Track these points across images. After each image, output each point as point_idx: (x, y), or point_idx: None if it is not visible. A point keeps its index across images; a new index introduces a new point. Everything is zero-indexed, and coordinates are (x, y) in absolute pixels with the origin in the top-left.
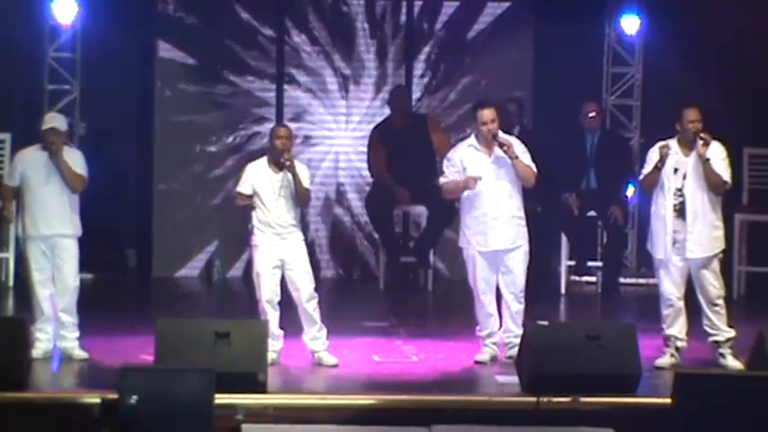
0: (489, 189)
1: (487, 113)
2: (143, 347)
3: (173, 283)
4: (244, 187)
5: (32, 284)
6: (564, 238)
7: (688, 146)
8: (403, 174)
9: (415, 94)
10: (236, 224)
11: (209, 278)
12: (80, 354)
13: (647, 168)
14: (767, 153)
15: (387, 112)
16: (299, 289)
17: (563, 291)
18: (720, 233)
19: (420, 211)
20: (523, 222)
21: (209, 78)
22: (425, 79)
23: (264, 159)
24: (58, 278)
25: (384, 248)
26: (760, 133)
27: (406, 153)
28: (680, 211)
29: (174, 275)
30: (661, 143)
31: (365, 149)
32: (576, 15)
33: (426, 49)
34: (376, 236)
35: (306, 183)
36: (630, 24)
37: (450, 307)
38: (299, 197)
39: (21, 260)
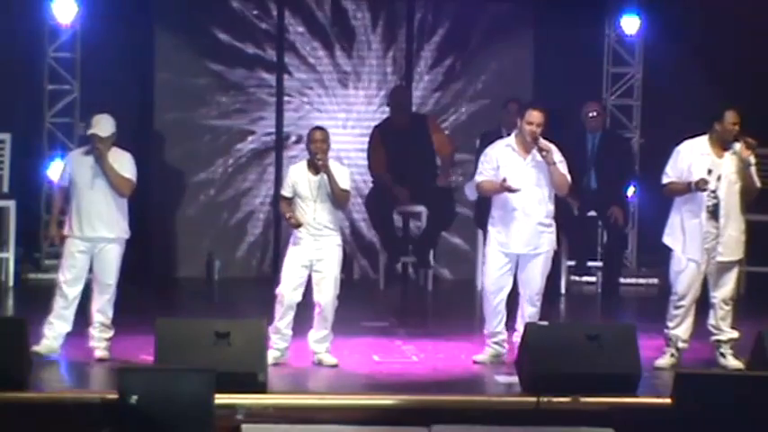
0: (520, 192)
1: (536, 115)
2: (143, 347)
3: (173, 283)
4: (286, 190)
5: (60, 281)
6: (564, 238)
7: (722, 146)
8: (403, 174)
9: (416, 94)
10: (235, 224)
11: (209, 278)
12: (103, 354)
13: (673, 171)
14: (767, 153)
15: (387, 111)
16: (323, 291)
17: (563, 291)
18: (745, 237)
19: (420, 211)
20: (551, 230)
21: (210, 79)
22: (426, 79)
23: (305, 162)
24: (97, 279)
25: (384, 248)
26: (760, 133)
27: (406, 153)
28: (713, 212)
29: (174, 275)
30: (686, 147)
31: (365, 149)
32: (576, 15)
33: (427, 49)
34: (376, 236)
35: (344, 184)
36: (630, 24)
37: (451, 307)
38: (337, 198)
39: (21, 260)
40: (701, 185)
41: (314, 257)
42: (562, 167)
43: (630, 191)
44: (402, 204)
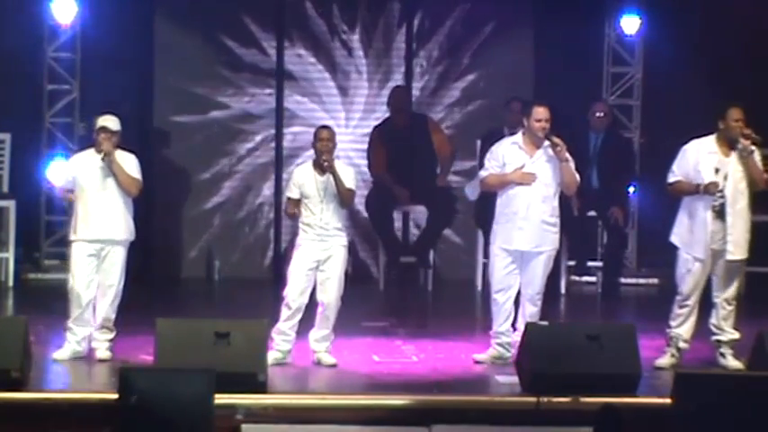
0: (523, 190)
1: (542, 111)
2: (143, 347)
3: (173, 283)
4: (292, 192)
5: (74, 285)
6: (564, 238)
7: (728, 145)
8: (403, 174)
9: (416, 94)
10: (236, 224)
11: (209, 278)
12: (104, 354)
13: (679, 170)
14: (767, 153)
15: (387, 111)
16: (327, 291)
17: (563, 291)
18: (749, 236)
19: (420, 211)
20: (555, 229)
21: (210, 79)
22: (426, 79)
23: (311, 162)
24: (101, 283)
25: (384, 248)
26: (760, 133)
27: (406, 153)
28: (719, 212)
29: (174, 275)
30: (695, 147)
31: (365, 149)
32: (576, 15)
33: (427, 49)
34: (376, 236)
35: (349, 183)
36: (630, 24)
37: (451, 307)
38: (342, 198)
39: (21, 260)
40: (711, 189)
41: (320, 258)
42: (572, 166)
43: (630, 191)
44: (402, 204)
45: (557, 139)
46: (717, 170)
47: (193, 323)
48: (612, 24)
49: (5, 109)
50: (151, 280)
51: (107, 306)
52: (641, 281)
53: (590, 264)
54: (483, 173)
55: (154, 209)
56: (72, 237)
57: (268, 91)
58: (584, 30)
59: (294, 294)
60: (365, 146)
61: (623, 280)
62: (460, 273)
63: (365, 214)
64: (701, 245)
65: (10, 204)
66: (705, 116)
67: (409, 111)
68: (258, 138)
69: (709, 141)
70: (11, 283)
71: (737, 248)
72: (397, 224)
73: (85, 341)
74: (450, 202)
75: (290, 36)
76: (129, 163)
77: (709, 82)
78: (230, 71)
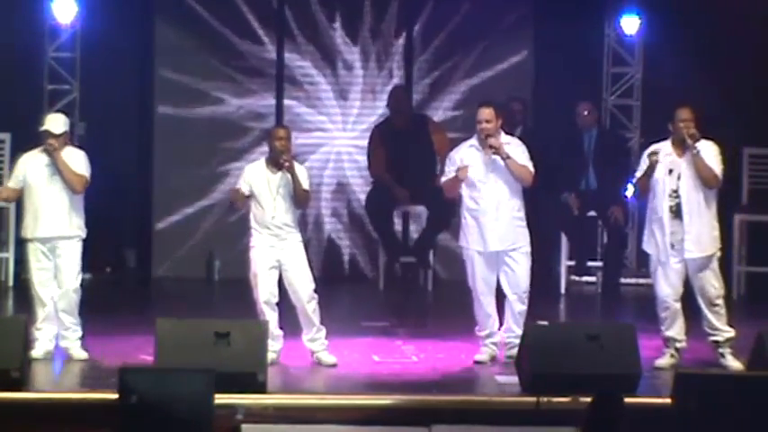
0: (488, 190)
1: (484, 112)
2: (143, 347)
3: (173, 283)
4: (242, 187)
5: (33, 285)
6: (564, 238)
7: (681, 146)
8: (403, 174)
9: (416, 95)
10: (235, 223)
11: (209, 278)
12: (80, 354)
13: (639, 172)
14: (767, 153)
15: (387, 112)
16: (297, 290)
17: (563, 291)
18: (717, 233)
19: (420, 211)
20: (524, 223)
21: (210, 79)
22: (426, 79)
23: (263, 160)
24: (58, 279)
25: (384, 248)
26: (760, 133)
27: (406, 153)
28: (676, 212)
29: (174, 275)
30: (651, 148)
31: (365, 149)
32: (576, 15)
33: (427, 49)
34: (376, 236)
35: (305, 184)
36: (630, 24)
37: (450, 307)
38: (298, 198)
39: (21, 260)
40: (652, 161)
41: (280, 257)
42: (521, 159)
43: (629, 190)
44: (402, 204)
45: (492, 142)
46: (670, 171)
47: (193, 323)
48: (612, 24)
49: (5, 109)
50: (151, 280)
51: (67, 303)
52: (641, 281)
53: (590, 264)
54: (442, 178)
55: (153, 207)
56: (22, 235)
57: (267, 86)
58: (584, 30)
59: (266, 295)
60: (365, 146)
61: (623, 280)
62: (460, 273)
63: (366, 214)
64: (660, 246)
65: (10, 205)
66: (705, 116)
67: (409, 111)
68: (258, 134)
69: (666, 144)
70: (11, 282)
71: (696, 246)
72: (397, 224)
73: (54, 339)
74: (451, 201)
75: (290, 32)
76: (77, 160)
77: (709, 82)
78: (230, 68)
